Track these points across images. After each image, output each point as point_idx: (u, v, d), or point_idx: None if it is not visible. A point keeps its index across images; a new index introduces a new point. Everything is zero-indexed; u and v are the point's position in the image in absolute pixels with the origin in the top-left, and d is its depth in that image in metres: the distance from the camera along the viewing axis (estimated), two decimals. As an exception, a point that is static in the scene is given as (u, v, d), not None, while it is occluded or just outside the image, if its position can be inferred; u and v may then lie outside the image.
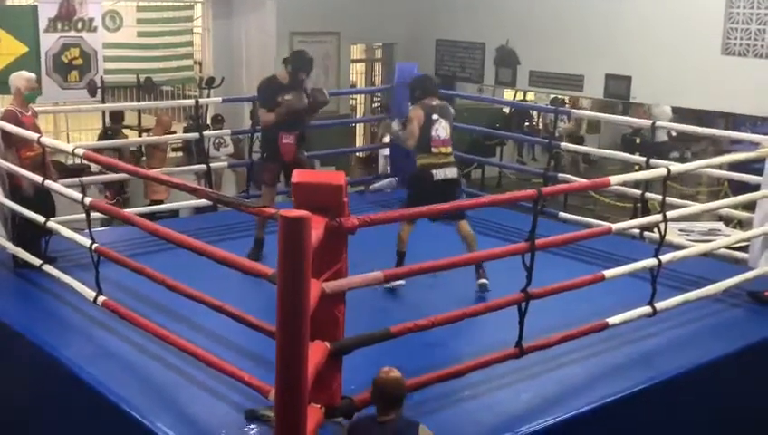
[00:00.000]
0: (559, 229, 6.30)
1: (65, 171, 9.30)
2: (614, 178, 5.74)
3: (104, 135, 11.19)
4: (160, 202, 10.14)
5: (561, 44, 12.25)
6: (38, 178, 6.06)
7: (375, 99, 15.30)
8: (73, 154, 6.23)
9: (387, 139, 6.96)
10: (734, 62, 10.62)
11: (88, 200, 5.47)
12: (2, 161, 6.40)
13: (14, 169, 6.32)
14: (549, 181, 8.20)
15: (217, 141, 11.37)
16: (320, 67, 11.48)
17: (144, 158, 11.14)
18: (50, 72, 11.09)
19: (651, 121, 8.38)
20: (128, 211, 5.67)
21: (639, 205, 10.54)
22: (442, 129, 6.37)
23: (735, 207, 7.33)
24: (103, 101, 11.56)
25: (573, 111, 11.36)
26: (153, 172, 7.37)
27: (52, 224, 6.10)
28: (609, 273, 5.35)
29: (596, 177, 6.90)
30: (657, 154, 7.63)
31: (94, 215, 5.75)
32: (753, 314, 6.26)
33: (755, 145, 7.00)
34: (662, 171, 5.72)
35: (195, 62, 13.00)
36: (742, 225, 8.14)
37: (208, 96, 11.87)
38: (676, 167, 6.27)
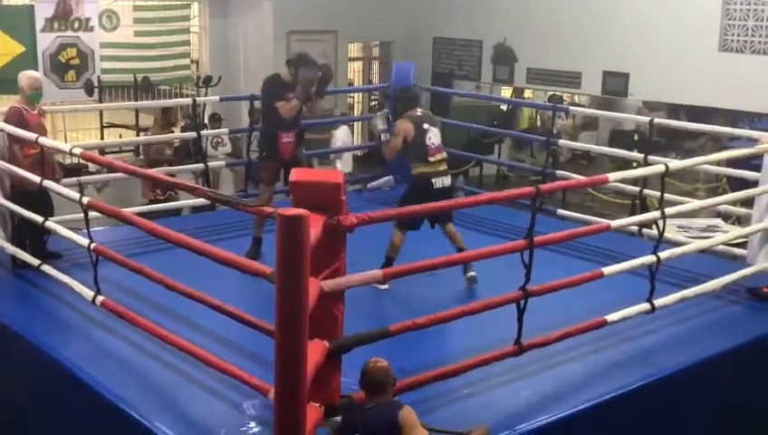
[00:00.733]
0: (557, 226, 6.30)
1: (63, 170, 9.29)
2: (612, 176, 5.73)
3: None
4: (158, 201, 10.13)
5: (559, 42, 12.27)
6: (36, 179, 6.06)
7: (372, 97, 15.31)
8: (71, 154, 6.23)
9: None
10: (732, 59, 10.65)
11: (86, 200, 5.47)
12: (1, 162, 6.42)
13: (12, 168, 6.33)
14: (547, 178, 8.21)
15: (215, 140, 11.36)
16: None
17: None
18: (47, 72, 11.08)
19: (649, 118, 8.40)
20: (126, 211, 5.66)
21: (638, 202, 10.54)
22: (434, 136, 6.46)
23: (734, 203, 7.33)
24: (100, 101, 11.56)
25: (571, 108, 11.36)
26: (151, 172, 7.37)
27: (50, 223, 6.10)
28: (607, 270, 5.34)
29: (594, 174, 6.88)
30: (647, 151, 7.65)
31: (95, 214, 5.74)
32: (751, 310, 6.26)
33: (754, 141, 7.00)
34: (660, 168, 5.72)
35: (192, 62, 13.01)
36: (740, 221, 8.13)
37: (206, 95, 11.87)
38: (675, 163, 6.27)
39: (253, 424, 4.36)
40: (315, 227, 3.60)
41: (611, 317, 5.28)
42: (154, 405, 4.59)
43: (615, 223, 5.64)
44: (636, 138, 13.41)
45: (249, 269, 3.98)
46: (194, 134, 8.75)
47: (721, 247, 6.83)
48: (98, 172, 9.73)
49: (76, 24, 11.36)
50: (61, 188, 6.02)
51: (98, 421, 4.82)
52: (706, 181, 12.45)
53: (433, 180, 6.36)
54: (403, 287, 6.09)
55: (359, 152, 13.65)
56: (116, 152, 11.51)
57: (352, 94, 15.28)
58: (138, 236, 6.45)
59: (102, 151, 10.81)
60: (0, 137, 6.47)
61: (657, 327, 5.69)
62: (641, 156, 7.69)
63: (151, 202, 10.09)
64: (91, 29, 11.51)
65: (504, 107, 16.02)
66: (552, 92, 14.30)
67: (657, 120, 8.41)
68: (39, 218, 6.12)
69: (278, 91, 6.81)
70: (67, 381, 5.01)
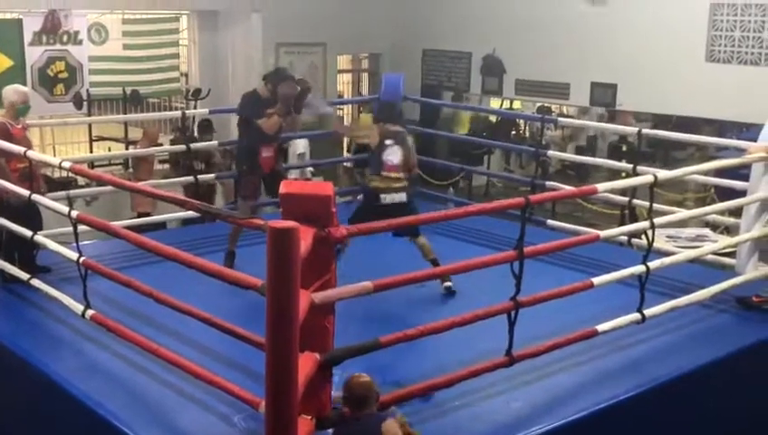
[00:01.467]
0: (547, 237, 6.31)
1: (51, 184, 9.26)
2: (601, 186, 5.75)
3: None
4: (147, 214, 10.09)
5: (547, 53, 12.31)
6: (25, 192, 6.04)
7: (362, 109, 15.31)
8: (60, 167, 6.21)
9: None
10: (719, 69, 10.70)
11: (75, 213, 5.46)
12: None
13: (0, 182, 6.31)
14: (536, 189, 8.22)
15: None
16: (306, 78, 11.45)
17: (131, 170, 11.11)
18: (35, 86, 11.03)
19: (637, 129, 8.42)
20: (115, 224, 5.65)
21: (627, 212, 10.57)
22: (394, 154, 6.61)
23: (722, 213, 7.36)
24: (89, 114, 11.52)
25: (560, 119, 11.39)
26: (140, 184, 7.35)
27: (39, 238, 6.07)
28: (597, 280, 5.35)
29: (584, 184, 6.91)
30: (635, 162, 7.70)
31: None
32: (741, 319, 6.28)
33: (741, 151, 7.03)
34: (649, 178, 5.74)
35: (181, 74, 12.98)
36: (729, 231, 8.16)
37: (195, 108, 11.85)
38: (664, 174, 6.29)
39: (242, 436, 4.35)
40: (305, 240, 3.59)
41: (602, 327, 5.29)
42: (144, 419, 4.57)
43: (604, 233, 5.66)
44: (624, 148, 13.46)
45: (239, 282, 3.97)
46: (183, 147, 8.73)
47: (710, 257, 6.86)
48: (87, 185, 9.69)
49: (65, 38, 11.33)
50: (50, 202, 6.00)
51: (88, 436, 4.80)
52: (695, 191, 12.49)
53: (381, 196, 6.52)
54: (393, 298, 6.08)
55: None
56: (105, 165, 11.48)
57: (342, 106, 15.27)
58: (127, 249, 6.42)
59: (92, 165, 10.78)
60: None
61: (647, 337, 5.70)
62: (630, 166, 7.72)
63: (140, 215, 10.06)
64: (80, 42, 11.48)
65: (493, 118, 16.05)
66: (541, 104, 14.35)
67: (644, 130, 8.44)
68: (28, 233, 6.10)
69: (257, 108, 6.86)
70: (57, 395, 4.99)
